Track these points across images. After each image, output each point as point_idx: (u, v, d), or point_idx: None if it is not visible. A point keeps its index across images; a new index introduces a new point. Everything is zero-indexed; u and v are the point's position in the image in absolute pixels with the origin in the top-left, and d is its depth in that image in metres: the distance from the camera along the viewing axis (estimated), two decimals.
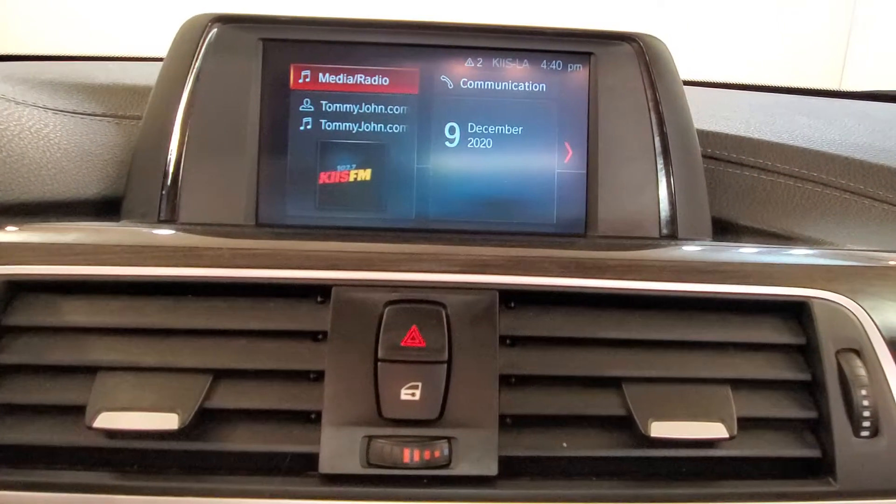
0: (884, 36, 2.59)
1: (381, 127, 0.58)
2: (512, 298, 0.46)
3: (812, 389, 0.46)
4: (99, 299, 0.44)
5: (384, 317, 0.44)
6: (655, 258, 0.48)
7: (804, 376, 0.46)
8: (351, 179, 0.58)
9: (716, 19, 2.75)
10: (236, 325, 0.44)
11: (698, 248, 0.51)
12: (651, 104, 0.59)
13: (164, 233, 0.48)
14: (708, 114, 0.70)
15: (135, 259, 0.45)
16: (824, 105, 0.89)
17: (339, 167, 0.58)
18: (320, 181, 0.57)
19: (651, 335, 0.46)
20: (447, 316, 0.44)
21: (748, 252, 0.51)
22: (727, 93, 0.92)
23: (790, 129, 0.68)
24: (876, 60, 2.60)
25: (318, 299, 0.45)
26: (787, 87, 1.03)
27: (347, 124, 0.57)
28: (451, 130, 0.58)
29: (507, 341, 0.45)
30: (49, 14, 2.53)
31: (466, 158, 0.58)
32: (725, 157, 0.64)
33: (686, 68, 0.64)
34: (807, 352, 0.46)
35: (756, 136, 0.65)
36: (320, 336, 0.44)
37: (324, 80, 0.58)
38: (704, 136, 0.63)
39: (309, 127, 0.57)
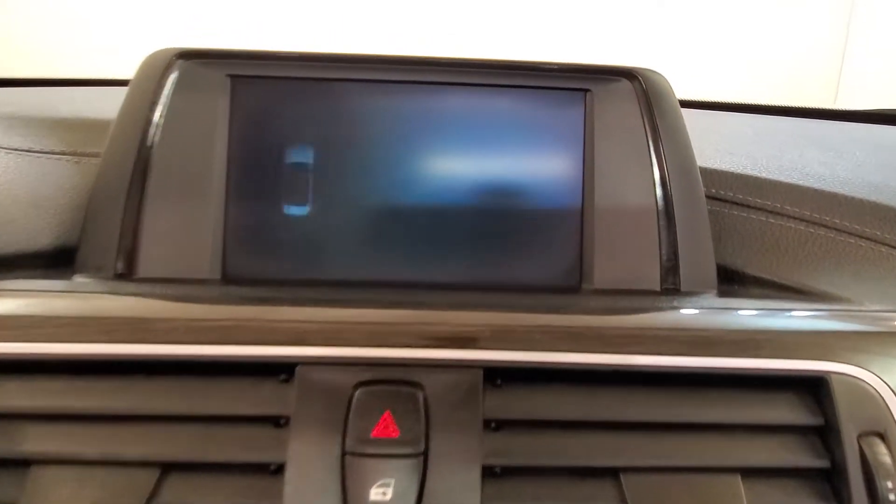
0: (880, 46, 2.55)
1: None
2: (498, 375, 0.41)
3: (832, 477, 0.41)
4: (34, 380, 0.40)
5: (353, 400, 0.39)
6: (658, 326, 0.44)
7: (823, 463, 0.41)
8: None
9: (709, 30, 2.70)
10: (190, 410, 0.39)
11: (705, 311, 0.46)
12: (651, 144, 0.54)
13: (112, 302, 0.43)
14: (710, 147, 0.66)
15: (76, 334, 0.40)
16: (830, 131, 0.85)
17: None
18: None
19: (652, 416, 0.41)
20: (425, 398, 0.39)
21: (759, 317, 0.46)
22: (726, 117, 0.88)
23: (800, 166, 0.64)
24: (873, 70, 2.56)
25: (282, 377, 0.40)
26: (787, 108, 0.99)
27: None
28: (435, 173, 0.54)
29: (492, 425, 0.40)
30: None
31: (451, 202, 0.53)
32: (730, 198, 0.60)
33: (679, 83, 0.59)
34: (825, 434, 0.42)
35: (764, 174, 0.60)
36: (283, 421, 0.39)
37: None
38: (707, 174, 0.59)
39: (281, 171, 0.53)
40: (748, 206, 0.59)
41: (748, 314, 0.46)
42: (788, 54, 2.70)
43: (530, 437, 0.40)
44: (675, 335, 0.43)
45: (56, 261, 0.54)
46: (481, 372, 0.40)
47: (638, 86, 0.55)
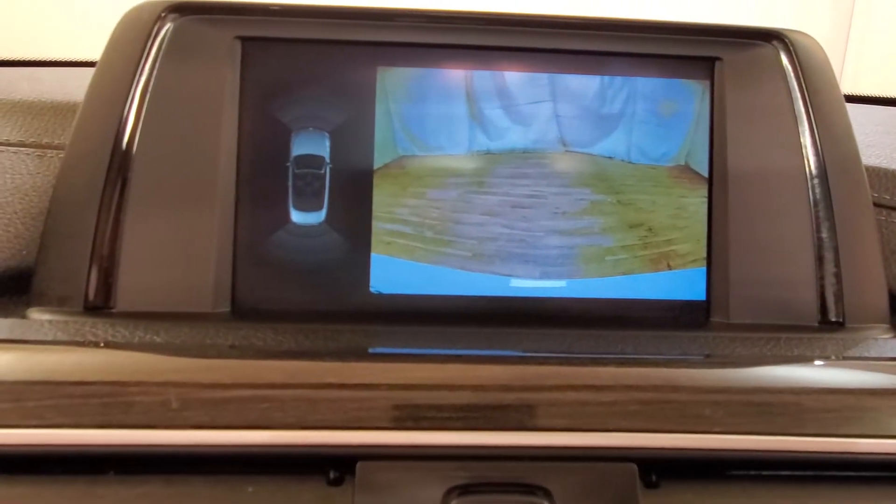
0: (883, 33, 2.43)
1: None
2: (653, 471, 0.27)
3: None
4: None
5: None
6: (866, 386, 0.30)
7: None
8: None
9: (709, 17, 2.58)
10: None
11: None
12: (804, 131, 0.41)
13: (76, 356, 0.29)
14: None
15: (18, 412, 0.26)
16: None
17: None
18: None
19: None
20: None
21: None
22: None
23: None
24: (876, 57, 2.44)
25: (332, 476, 0.27)
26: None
27: None
28: (514, 164, 0.40)
29: None
30: None
31: (535, 201, 0.40)
32: (889, 202, 0.46)
33: None
34: None
35: None
36: None
37: None
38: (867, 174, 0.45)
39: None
40: None
41: None
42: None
43: None
44: (880, 406, 0.30)
45: (7, 288, 0.41)
46: (635, 468, 0.26)
47: (785, 53, 0.41)
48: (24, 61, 0.71)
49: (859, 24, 2.50)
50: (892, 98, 0.78)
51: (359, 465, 0.26)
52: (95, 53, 0.42)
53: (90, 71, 0.50)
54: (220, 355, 0.29)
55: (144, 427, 0.26)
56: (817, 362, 0.32)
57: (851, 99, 0.84)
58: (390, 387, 0.27)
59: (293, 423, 0.26)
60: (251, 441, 0.26)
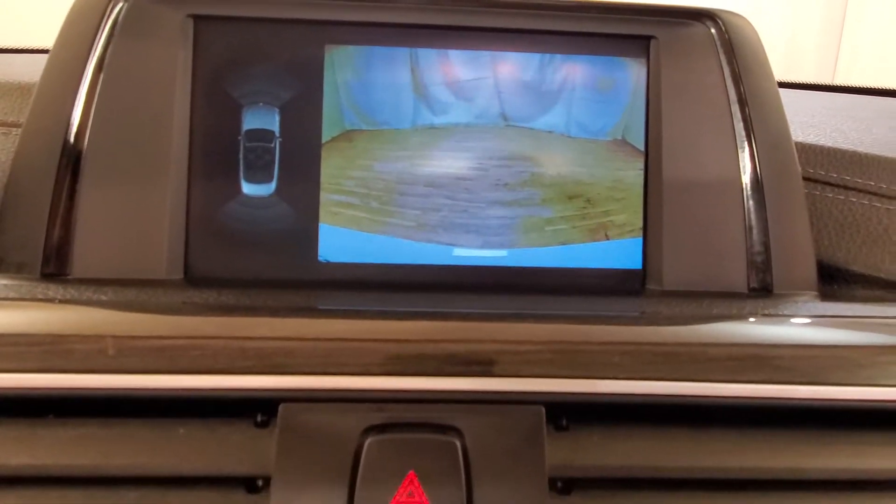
0: (878, 21, 2.45)
1: None
2: (563, 415, 0.29)
3: None
4: None
5: (362, 454, 0.27)
6: (772, 341, 0.32)
7: None
8: None
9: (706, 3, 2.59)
10: (126, 468, 0.27)
11: (818, 321, 0.35)
12: (735, 107, 0.42)
13: (25, 313, 0.31)
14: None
15: None
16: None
17: None
18: None
19: (775, 467, 0.29)
20: (464, 450, 0.27)
21: (888, 328, 0.34)
22: (792, 94, 0.76)
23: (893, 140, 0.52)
24: (870, 44, 2.46)
25: (259, 419, 0.28)
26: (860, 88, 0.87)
27: None
28: (458, 137, 0.42)
29: (559, 485, 0.28)
30: None
31: (476, 172, 0.41)
32: (822, 177, 0.48)
33: None
34: None
35: (862, 149, 0.49)
36: (260, 483, 0.27)
37: None
38: (798, 149, 0.47)
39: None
40: (846, 188, 0.47)
41: (873, 324, 0.35)
42: (787, 30, 2.59)
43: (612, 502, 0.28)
44: (800, 355, 0.31)
45: None
46: (543, 410, 0.28)
47: (717, 31, 0.43)
48: None
49: (853, 16, 2.52)
50: (840, 85, 0.80)
51: (281, 406, 0.28)
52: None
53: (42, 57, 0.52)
54: (156, 310, 0.31)
55: (87, 372, 0.28)
56: (730, 318, 0.33)
57: (820, 87, 0.86)
58: (314, 339, 0.29)
59: (222, 370, 0.28)
60: (182, 385, 0.28)
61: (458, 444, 0.27)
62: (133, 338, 0.28)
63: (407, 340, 0.29)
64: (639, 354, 0.30)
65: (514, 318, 0.31)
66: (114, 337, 0.28)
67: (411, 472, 0.27)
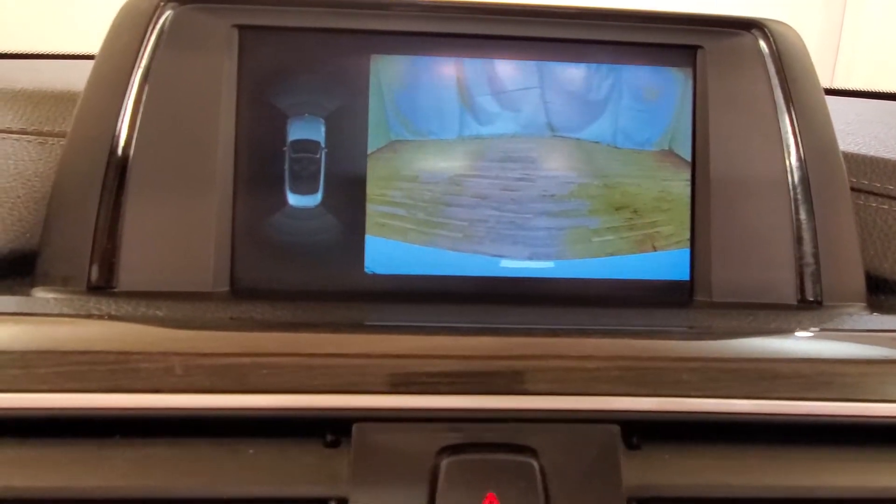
0: (876, 25, 2.45)
1: None
2: (634, 433, 0.29)
3: None
4: None
5: (440, 475, 0.27)
6: (839, 357, 0.32)
7: None
8: None
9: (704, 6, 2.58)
10: (194, 491, 0.27)
11: (887, 334, 0.34)
12: (783, 118, 0.42)
13: (82, 328, 0.30)
14: None
15: (28, 378, 0.27)
16: None
17: None
18: None
19: (842, 489, 0.29)
20: (541, 471, 0.27)
21: None
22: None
23: None
24: (869, 48, 2.46)
25: (329, 439, 0.28)
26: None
27: None
28: (505, 150, 0.41)
29: None
30: None
31: (526, 184, 0.41)
32: (867, 186, 0.48)
33: None
34: None
35: None
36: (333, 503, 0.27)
37: None
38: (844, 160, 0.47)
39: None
40: (891, 197, 0.47)
41: None
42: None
43: None
44: (850, 372, 0.31)
45: (11, 270, 0.42)
46: (618, 429, 0.28)
47: (765, 41, 0.42)
48: (23, 54, 0.72)
49: (852, 18, 2.52)
50: (875, 91, 0.80)
51: (355, 426, 0.27)
52: (93, 49, 0.43)
53: (87, 63, 0.51)
54: (220, 327, 0.31)
55: (152, 391, 0.27)
56: (794, 333, 0.33)
57: (838, 92, 0.85)
58: (384, 356, 0.29)
59: (291, 389, 0.28)
60: (251, 405, 0.27)
61: (536, 464, 0.27)
62: (201, 355, 0.28)
63: (475, 357, 0.28)
64: (705, 371, 0.29)
65: (579, 334, 0.30)
66: (180, 355, 0.28)
67: (490, 493, 0.26)
